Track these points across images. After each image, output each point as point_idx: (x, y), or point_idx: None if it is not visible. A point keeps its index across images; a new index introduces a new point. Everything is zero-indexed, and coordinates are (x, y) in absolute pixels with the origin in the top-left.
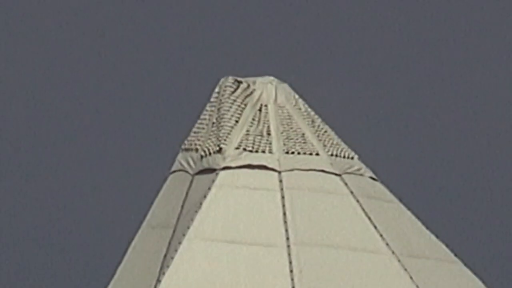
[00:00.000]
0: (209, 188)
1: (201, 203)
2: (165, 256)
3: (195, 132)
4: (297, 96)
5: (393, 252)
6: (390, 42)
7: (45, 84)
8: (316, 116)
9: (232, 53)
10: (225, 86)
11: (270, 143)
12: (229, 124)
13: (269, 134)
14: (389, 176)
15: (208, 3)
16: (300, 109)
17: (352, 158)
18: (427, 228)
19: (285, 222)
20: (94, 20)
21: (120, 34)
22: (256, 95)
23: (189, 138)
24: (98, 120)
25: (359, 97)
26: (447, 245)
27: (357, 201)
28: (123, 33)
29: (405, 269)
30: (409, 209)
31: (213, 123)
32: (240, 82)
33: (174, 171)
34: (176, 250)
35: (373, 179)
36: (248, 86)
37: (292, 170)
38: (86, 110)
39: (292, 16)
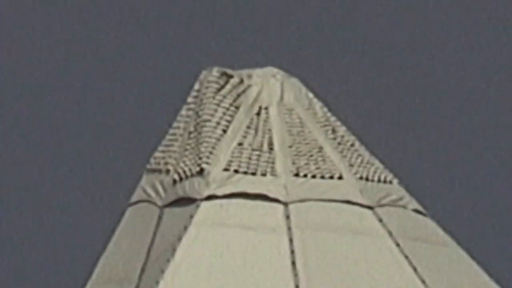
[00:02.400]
0: (186, 227)
1: (174, 249)
2: None
3: (165, 146)
4: (311, 95)
5: None
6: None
7: None
8: (339, 123)
9: (219, 35)
10: (208, 81)
11: (273, 162)
12: (214, 135)
13: (271, 148)
14: (443, 208)
15: None
16: (315, 113)
17: (391, 182)
18: (496, 280)
19: (295, 275)
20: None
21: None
22: (252, 93)
23: (156, 154)
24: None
25: (397, 97)
26: None
27: (397, 244)
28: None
29: None
30: (470, 254)
31: (190, 133)
32: (229, 76)
33: (135, 202)
34: None
35: (420, 212)
36: (241, 81)
37: (304, 200)
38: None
39: None
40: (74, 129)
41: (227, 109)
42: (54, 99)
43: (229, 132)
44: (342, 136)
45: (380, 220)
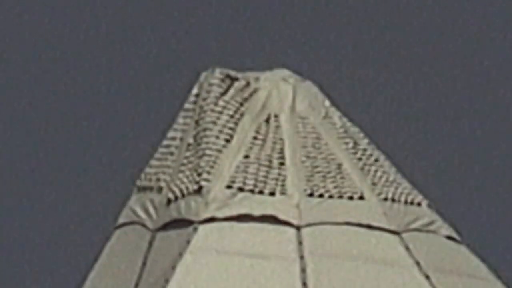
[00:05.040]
0: (181, 254)
1: (167, 279)
2: None
3: (159, 160)
4: (328, 102)
5: None
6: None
7: None
8: (361, 135)
9: (223, 32)
10: (210, 85)
11: (284, 179)
12: (215, 147)
13: (282, 163)
14: (480, 235)
15: None
16: (333, 123)
17: (420, 204)
18: None
19: None
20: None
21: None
22: (260, 98)
23: (148, 169)
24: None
25: (432, 107)
26: None
27: (427, 276)
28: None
29: None
30: None
31: (188, 145)
32: (234, 79)
33: (123, 224)
34: None
35: (454, 239)
36: (248, 84)
37: (319, 224)
38: None
39: None
40: (52, 138)
41: (231, 116)
42: (35, 104)
43: (233, 143)
44: (364, 150)
45: (407, 248)
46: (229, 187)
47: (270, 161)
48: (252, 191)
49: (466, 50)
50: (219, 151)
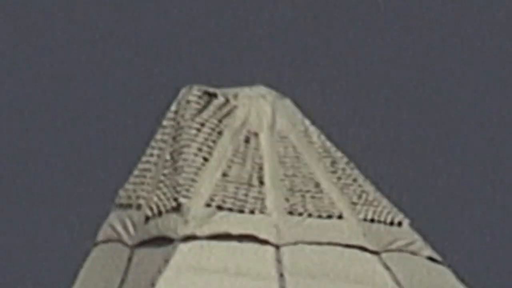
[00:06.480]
0: (160, 271)
1: None
2: None
3: (137, 177)
4: (308, 122)
5: None
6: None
7: None
8: (340, 155)
9: (201, 48)
10: (188, 101)
11: (263, 198)
12: (194, 164)
13: (261, 182)
14: (462, 255)
15: None
16: (312, 142)
17: (400, 224)
18: None
19: None
20: None
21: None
22: (239, 116)
23: (126, 186)
24: None
25: (410, 124)
26: None
27: None
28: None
29: None
30: None
31: (166, 161)
32: (212, 95)
33: (102, 241)
34: None
35: (435, 260)
36: (227, 101)
37: (298, 243)
38: None
39: None
40: (31, 152)
41: (209, 134)
42: (14, 116)
43: (211, 161)
44: (343, 170)
45: (387, 268)
46: (208, 205)
47: (250, 180)
48: (231, 209)
49: (442, 69)
50: (198, 168)
